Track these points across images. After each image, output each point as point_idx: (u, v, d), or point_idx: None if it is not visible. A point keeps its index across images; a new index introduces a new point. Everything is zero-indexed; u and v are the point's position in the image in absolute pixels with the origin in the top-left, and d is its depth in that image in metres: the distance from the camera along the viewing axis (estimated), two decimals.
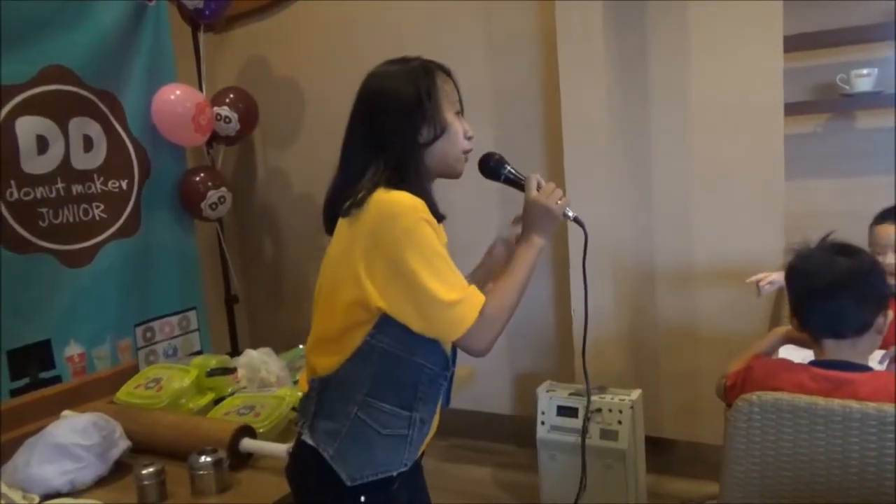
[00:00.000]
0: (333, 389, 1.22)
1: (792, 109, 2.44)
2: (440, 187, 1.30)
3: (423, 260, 1.13)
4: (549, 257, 2.99)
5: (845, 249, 1.42)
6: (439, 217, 1.23)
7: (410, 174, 1.21)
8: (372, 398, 1.19)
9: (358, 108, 1.27)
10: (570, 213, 1.35)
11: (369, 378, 1.19)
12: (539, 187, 1.30)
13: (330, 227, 1.26)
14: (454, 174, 1.29)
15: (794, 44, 2.41)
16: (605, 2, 2.54)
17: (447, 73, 1.30)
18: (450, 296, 1.13)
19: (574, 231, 2.67)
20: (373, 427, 1.19)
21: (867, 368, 1.38)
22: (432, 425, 1.31)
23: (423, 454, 1.34)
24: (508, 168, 1.36)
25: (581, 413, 2.43)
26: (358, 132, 1.26)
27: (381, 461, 1.20)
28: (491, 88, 2.99)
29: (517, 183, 1.36)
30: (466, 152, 1.29)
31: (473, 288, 1.18)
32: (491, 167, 1.36)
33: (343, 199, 1.22)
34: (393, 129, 1.22)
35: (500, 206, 2.96)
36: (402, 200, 1.15)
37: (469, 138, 1.29)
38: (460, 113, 1.30)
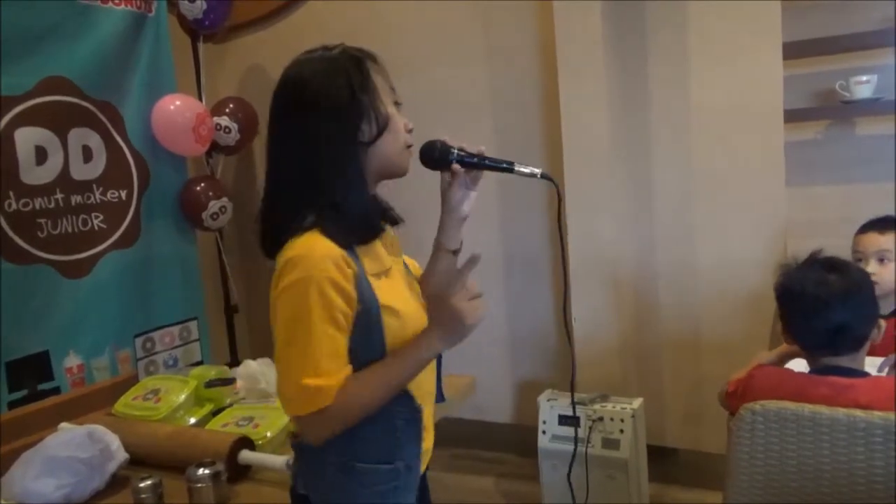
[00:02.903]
0: (308, 454, 1.16)
1: (792, 116, 2.43)
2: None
3: (291, 326, 1.03)
4: (549, 266, 2.99)
5: (836, 266, 1.42)
6: (378, 233, 1.14)
7: (347, 188, 1.09)
8: (349, 459, 1.12)
9: (280, 108, 1.13)
10: (533, 171, 1.20)
11: (339, 439, 1.09)
12: (458, 288, 1.10)
13: (268, 252, 1.13)
14: (399, 172, 1.17)
15: (794, 51, 2.40)
16: (605, 6, 2.54)
17: (375, 59, 1.16)
18: (298, 376, 1.02)
19: (575, 240, 2.66)
20: (358, 488, 1.12)
21: (866, 374, 1.37)
22: (429, 441, 1.22)
23: (427, 468, 1.28)
24: (456, 152, 1.20)
25: (583, 422, 2.42)
26: (285, 137, 1.12)
27: None
28: (490, 95, 2.98)
29: (483, 165, 1.21)
30: (409, 147, 1.17)
31: (337, 379, 1.04)
32: (436, 158, 1.21)
33: (266, 233, 1.13)
34: (328, 129, 1.08)
35: (499, 199, 2.95)
36: (303, 253, 1.03)
37: (409, 131, 1.17)
38: (398, 104, 1.16)
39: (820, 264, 1.43)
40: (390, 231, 1.25)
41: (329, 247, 1.05)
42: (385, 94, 1.13)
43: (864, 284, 1.40)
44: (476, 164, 1.21)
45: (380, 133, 1.11)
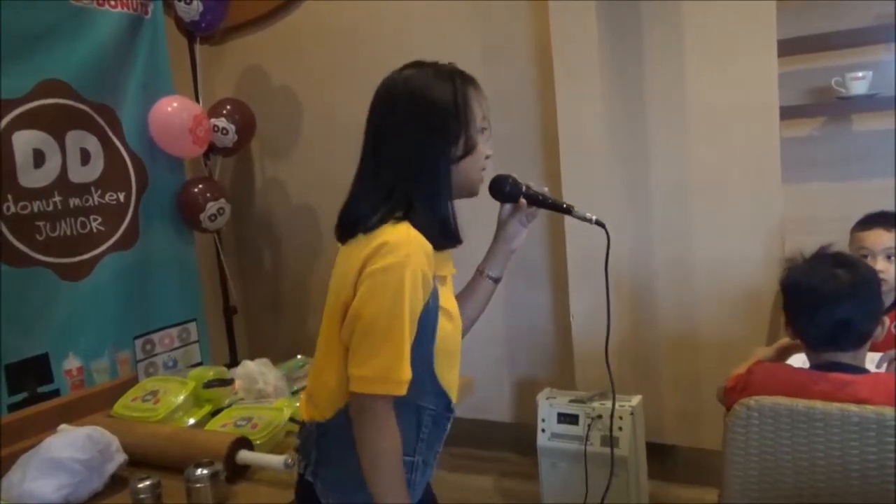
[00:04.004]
0: (333, 436, 1.18)
1: (787, 113, 2.43)
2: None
3: (385, 309, 1.08)
4: (547, 265, 2.99)
5: (844, 261, 1.42)
6: (455, 241, 1.19)
7: (436, 193, 1.15)
8: None
9: (382, 113, 1.18)
10: (588, 217, 1.32)
11: None
12: None
13: (341, 236, 1.20)
14: (471, 194, 1.23)
15: (789, 47, 2.41)
16: (601, 5, 2.54)
17: (477, 86, 1.23)
18: (386, 359, 1.08)
19: (572, 238, 2.67)
20: None
21: (865, 371, 1.38)
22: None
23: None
24: (524, 189, 1.31)
25: (582, 420, 2.42)
26: (390, 131, 1.17)
27: None
28: (487, 94, 2.98)
29: (545, 204, 1.32)
30: (484, 171, 1.23)
31: (409, 375, 1.10)
32: (506, 191, 1.31)
33: (355, 214, 1.16)
34: (432, 134, 1.15)
35: None
36: (401, 239, 1.09)
37: (487, 158, 1.23)
38: (487, 130, 1.23)
39: (828, 259, 1.44)
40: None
41: (423, 239, 1.12)
42: (478, 120, 1.20)
43: (871, 281, 1.40)
44: (540, 202, 1.32)
45: (466, 154, 1.18)
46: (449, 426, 1.23)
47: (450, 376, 1.21)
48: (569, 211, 1.31)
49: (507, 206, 1.34)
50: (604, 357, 2.67)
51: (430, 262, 1.11)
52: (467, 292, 1.37)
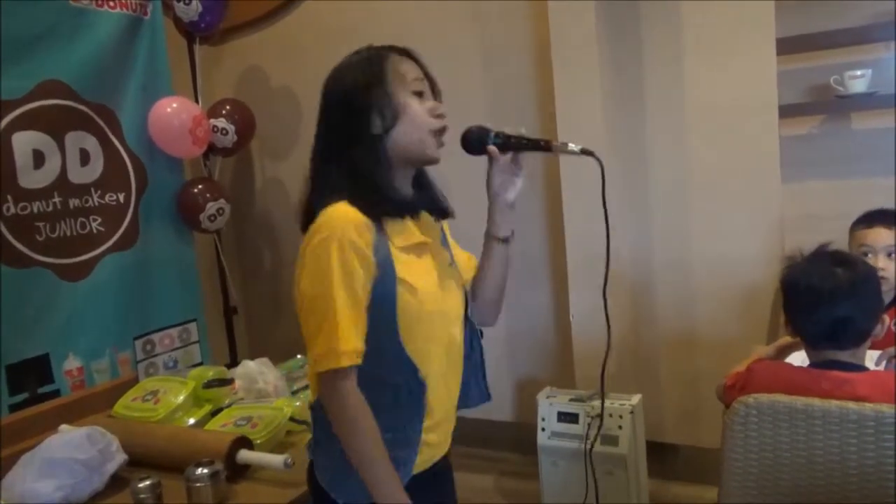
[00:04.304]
0: (318, 417, 1.20)
1: (787, 112, 2.43)
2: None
3: (315, 284, 1.11)
4: (547, 264, 2.99)
5: (843, 259, 1.42)
6: (401, 209, 1.19)
7: (367, 168, 1.16)
8: None
9: (319, 107, 1.23)
10: (573, 148, 1.19)
11: None
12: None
13: (302, 228, 1.23)
14: (427, 158, 1.21)
15: (788, 46, 2.41)
16: (599, 5, 2.54)
17: (405, 53, 1.22)
18: (319, 336, 1.10)
19: (572, 237, 2.67)
20: None
21: (865, 369, 1.38)
22: (440, 434, 1.24)
23: (440, 463, 1.27)
24: (492, 135, 1.22)
25: (582, 419, 2.42)
26: (318, 133, 1.22)
27: None
28: (486, 95, 2.99)
29: (520, 145, 1.21)
30: (437, 132, 1.20)
31: (353, 346, 1.10)
32: (472, 142, 1.23)
33: (307, 204, 1.20)
34: (342, 123, 1.18)
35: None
36: (329, 218, 1.12)
37: (438, 116, 1.20)
38: (422, 93, 1.20)
39: (827, 257, 1.44)
40: (429, 219, 1.29)
41: (351, 212, 1.13)
42: (402, 85, 1.18)
43: (871, 279, 1.40)
44: (513, 145, 1.21)
45: (394, 121, 1.17)
46: (425, 399, 1.18)
47: (422, 346, 1.18)
48: (548, 147, 1.20)
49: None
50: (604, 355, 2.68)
51: (360, 231, 1.12)
52: (483, 259, 1.34)
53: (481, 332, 1.35)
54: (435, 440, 1.24)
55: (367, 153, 1.16)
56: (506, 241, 1.31)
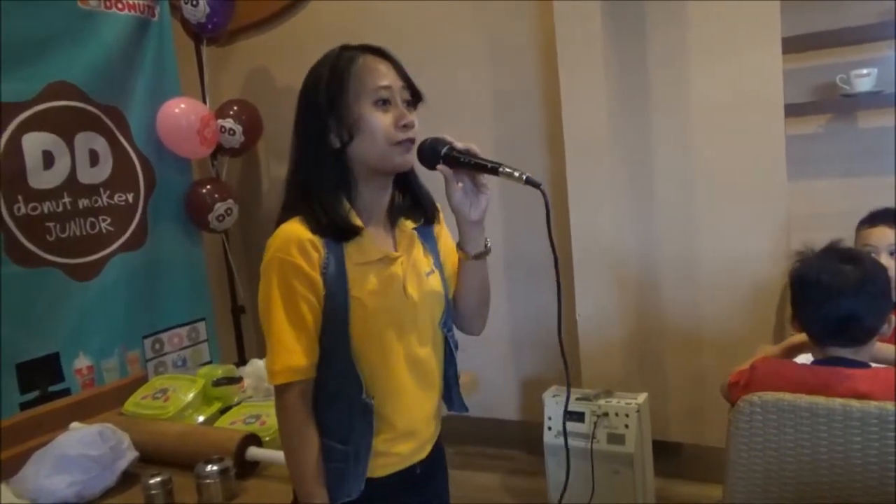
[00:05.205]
0: None
1: (793, 111, 2.44)
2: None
3: (262, 307, 1.14)
4: (552, 263, 2.99)
5: (853, 257, 1.42)
6: (347, 231, 1.13)
7: (318, 186, 1.13)
8: (322, 432, 1.17)
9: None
10: (520, 174, 1.09)
11: (316, 411, 1.17)
12: None
13: None
14: (393, 168, 1.15)
15: (794, 45, 2.41)
16: (605, 4, 2.55)
17: (378, 53, 1.15)
18: (270, 352, 1.13)
19: (577, 236, 2.67)
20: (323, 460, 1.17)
21: (867, 366, 1.38)
22: (412, 442, 1.22)
23: (421, 466, 1.25)
24: (443, 151, 1.13)
25: (588, 418, 2.43)
26: (291, 144, 1.20)
27: (331, 488, 1.16)
28: (492, 94, 3.00)
29: (468, 164, 1.12)
30: (400, 143, 1.12)
31: (295, 362, 1.12)
32: (426, 158, 1.15)
33: (277, 221, 1.19)
34: (304, 137, 1.16)
35: (502, 198, 2.97)
36: (275, 237, 1.13)
37: (404, 126, 1.12)
38: (387, 101, 1.12)
39: (837, 254, 1.43)
40: (407, 225, 1.25)
41: (297, 230, 1.11)
42: (363, 95, 1.11)
43: (880, 277, 1.40)
44: (462, 163, 1.13)
45: (353, 134, 1.12)
46: (373, 416, 1.16)
47: (378, 361, 1.16)
48: (495, 171, 1.10)
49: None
50: (612, 354, 2.69)
51: (304, 250, 1.10)
52: (459, 273, 1.27)
53: (456, 345, 1.30)
54: (404, 450, 1.22)
55: (326, 169, 1.14)
56: (478, 256, 1.23)
